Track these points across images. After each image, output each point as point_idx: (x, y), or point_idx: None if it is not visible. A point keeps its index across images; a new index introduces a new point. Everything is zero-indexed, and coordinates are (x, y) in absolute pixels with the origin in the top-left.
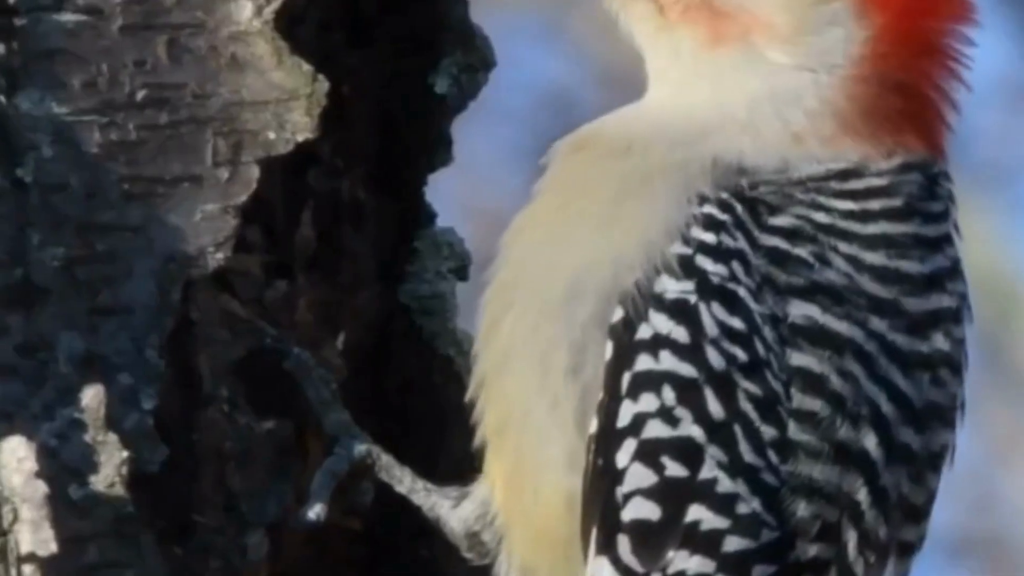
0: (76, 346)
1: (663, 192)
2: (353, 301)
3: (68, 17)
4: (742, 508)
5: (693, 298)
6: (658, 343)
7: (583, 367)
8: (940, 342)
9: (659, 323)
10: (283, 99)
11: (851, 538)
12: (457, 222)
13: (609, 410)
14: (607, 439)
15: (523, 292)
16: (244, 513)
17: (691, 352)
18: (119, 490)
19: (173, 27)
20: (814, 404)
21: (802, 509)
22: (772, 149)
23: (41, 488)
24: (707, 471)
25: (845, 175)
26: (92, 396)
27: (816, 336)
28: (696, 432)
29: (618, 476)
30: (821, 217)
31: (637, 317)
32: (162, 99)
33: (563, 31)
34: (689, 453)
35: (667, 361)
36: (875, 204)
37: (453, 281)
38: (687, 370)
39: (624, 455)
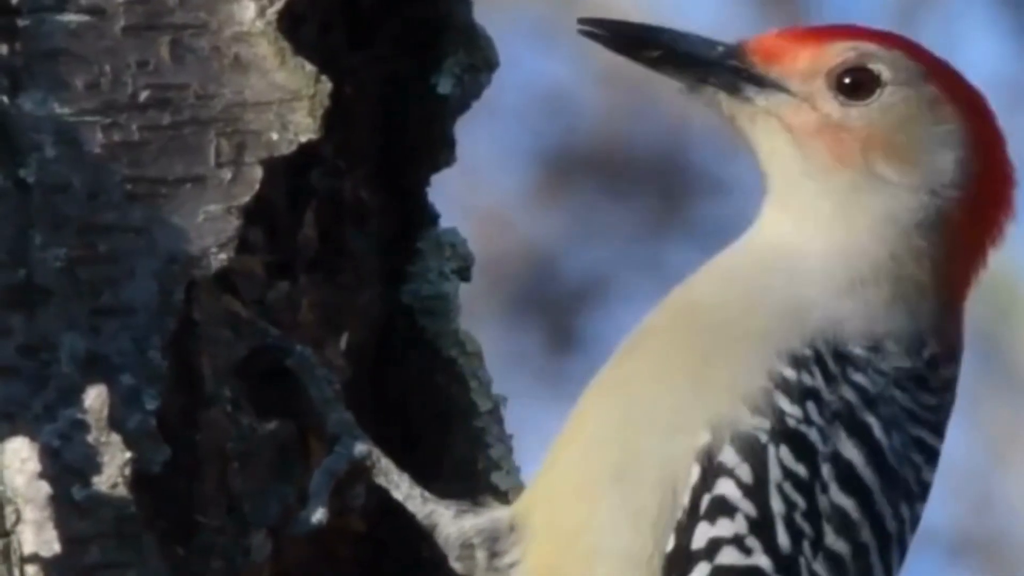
0: (78, 347)
1: (758, 333)
2: (356, 302)
3: (71, 17)
4: None
5: (764, 436)
6: (728, 473)
7: (668, 482)
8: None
9: (728, 456)
10: (286, 100)
11: None
12: (460, 222)
13: (687, 529)
14: (680, 558)
15: (627, 414)
16: (246, 514)
17: (754, 491)
18: (122, 491)
19: (176, 27)
20: (842, 548)
21: None
22: (871, 305)
23: (44, 489)
24: None
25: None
26: (95, 397)
27: (856, 482)
28: (764, 562)
29: None
30: (896, 400)
31: (719, 442)
32: (165, 100)
33: (564, 31)
34: None
35: (734, 494)
36: (925, 415)
37: (456, 282)
38: (749, 508)
39: None
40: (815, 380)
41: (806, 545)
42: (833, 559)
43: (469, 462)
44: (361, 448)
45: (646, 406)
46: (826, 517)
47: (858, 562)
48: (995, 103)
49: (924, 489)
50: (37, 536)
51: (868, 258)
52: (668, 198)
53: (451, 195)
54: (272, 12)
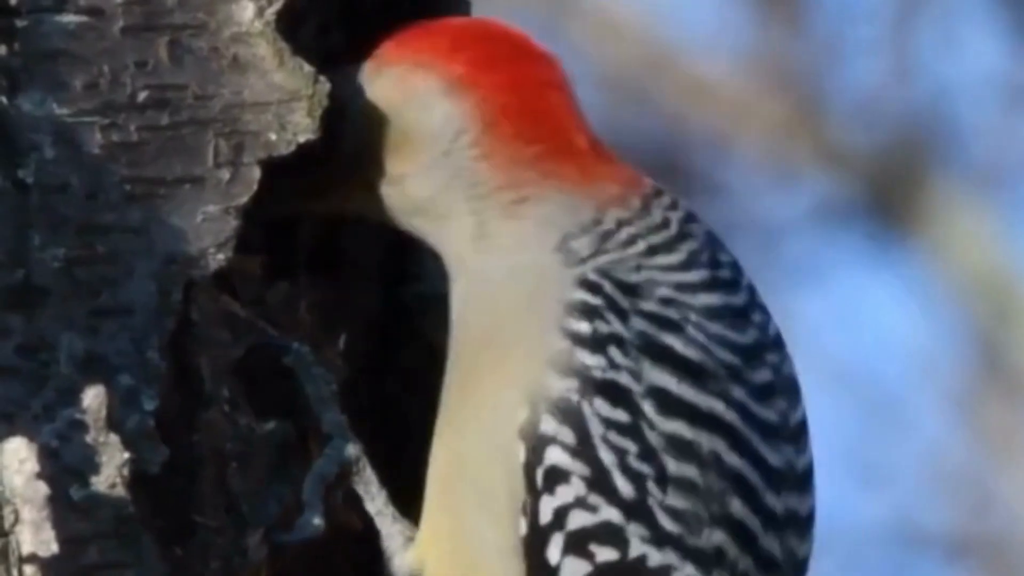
0: (77, 347)
1: (533, 299)
2: (354, 302)
3: (69, 18)
4: None
5: (575, 396)
6: (554, 442)
7: (504, 469)
8: (779, 410)
9: (549, 424)
10: (284, 100)
11: None
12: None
13: (532, 508)
14: (535, 538)
15: (458, 409)
16: (245, 514)
17: (582, 451)
18: (120, 491)
19: (174, 28)
20: (689, 471)
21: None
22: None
23: (42, 489)
24: (635, 549)
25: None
26: (93, 397)
27: (678, 404)
28: (613, 514)
29: (553, 573)
30: (661, 291)
31: (536, 415)
32: (163, 100)
33: (562, 32)
34: (614, 535)
35: (565, 459)
36: (685, 277)
37: None
38: (582, 469)
39: (555, 550)
40: (611, 325)
41: (651, 484)
42: (684, 484)
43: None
44: (350, 452)
45: (469, 405)
46: (662, 449)
47: (710, 472)
48: (995, 103)
49: (741, 352)
50: (35, 536)
51: (465, 216)
52: None
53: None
54: (271, 12)
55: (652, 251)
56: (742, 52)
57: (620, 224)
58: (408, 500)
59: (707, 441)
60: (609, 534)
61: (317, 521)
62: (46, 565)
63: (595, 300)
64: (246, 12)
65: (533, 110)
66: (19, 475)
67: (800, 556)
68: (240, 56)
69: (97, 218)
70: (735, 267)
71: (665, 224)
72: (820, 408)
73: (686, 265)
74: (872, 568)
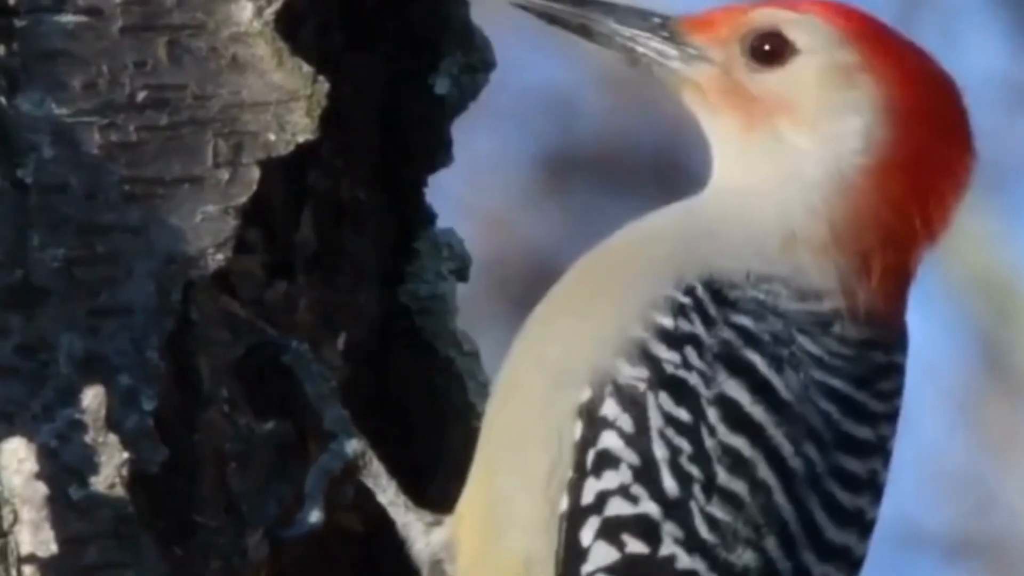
0: (76, 347)
1: (639, 280)
2: (353, 302)
3: (68, 18)
4: None
5: (643, 385)
6: (611, 426)
7: (554, 441)
8: (861, 504)
9: (610, 408)
10: (283, 100)
11: None
12: (457, 223)
13: (576, 487)
14: (574, 517)
15: (518, 379)
16: (244, 514)
17: (637, 440)
18: (119, 491)
19: (173, 28)
20: (738, 486)
21: None
22: (765, 251)
23: (41, 489)
24: (666, 548)
25: (823, 323)
26: (92, 397)
27: (746, 421)
28: (652, 509)
29: (583, 554)
30: (793, 342)
31: (599, 396)
32: (162, 100)
33: (564, 33)
34: (648, 530)
35: (618, 445)
36: (836, 362)
37: (453, 282)
38: (632, 458)
39: (588, 532)
40: (693, 326)
41: (696, 488)
42: (729, 498)
43: (466, 462)
44: (355, 447)
45: (535, 365)
46: (717, 458)
47: (758, 500)
48: (995, 103)
49: (847, 441)
50: (34, 536)
51: (761, 208)
52: (667, 198)
53: (449, 195)
54: (270, 13)
55: (819, 327)
56: None
57: (831, 313)
58: (412, 496)
59: (765, 466)
60: (644, 527)
61: (317, 516)
62: (45, 565)
63: (683, 299)
64: (245, 12)
65: (928, 182)
66: (18, 475)
67: None
68: (239, 56)
69: (96, 218)
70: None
71: (860, 335)
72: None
73: (838, 353)
74: (872, 568)
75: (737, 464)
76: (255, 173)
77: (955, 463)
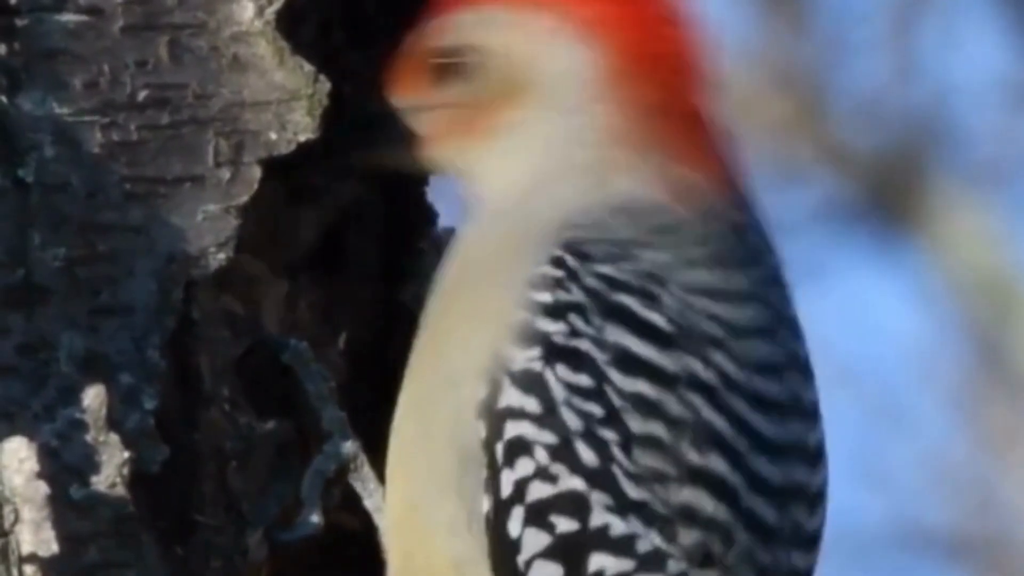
0: (77, 346)
1: (507, 271)
2: (355, 301)
3: (69, 17)
4: (642, 545)
5: (538, 365)
6: (517, 414)
7: (459, 441)
8: (788, 388)
9: (512, 396)
10: (285, 99)
11: (735, 563)
12: (459, 222)
13: (493, 484)
14: (497, 512)
15: (416, 386)
16: (245, 513)
17: (548, 419)
18: (120, 490)
19: (174, 27)
20: (656, 428)
21: (683, 537)
22: (582, 197)
23: (42, 488)
24: (597, 518)
25: (661, 231)
26: (93, 396)
27: (640, 364)
28: (576, 483)
29: (515, 545)
30: (642, 264)
31: (496, 390)
32: (163, 99)
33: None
34: (575, 505)
35: (529, 430)
36: (687, 253)
37: None
38: (548, 437)
39: (515, 523)
40: (571, 294)
41: (615, 450)
42: (650, 443)
43: None
44: (349, 448)
45: (430, 370)
46: (625, 410)
47: (680, 432)
48: (995, 103)
49: (745, 330)
50: (35, 536)
51: (552, 167)
52: None
53: (450, 195)
54: (271, 12)
55: (657, 231)
56: (745, 52)
57: (662, 226)
58: None
59: (677, 398)
60: (570, 504)
61: (315, 519)
62: (46, 564)
63: (555, 272)
64: (246, 11)
65: (661, 72)
66: (19, 474)
67: (808, 528)
68: (240, 55)
69: (97, 217)
70: (759, 256)
71: (697, 217)
72: (821, 406)
73: (682, 243)
74: (873, 568)
75: (647, 408)
76: (256, 172)
77: (956, 463)
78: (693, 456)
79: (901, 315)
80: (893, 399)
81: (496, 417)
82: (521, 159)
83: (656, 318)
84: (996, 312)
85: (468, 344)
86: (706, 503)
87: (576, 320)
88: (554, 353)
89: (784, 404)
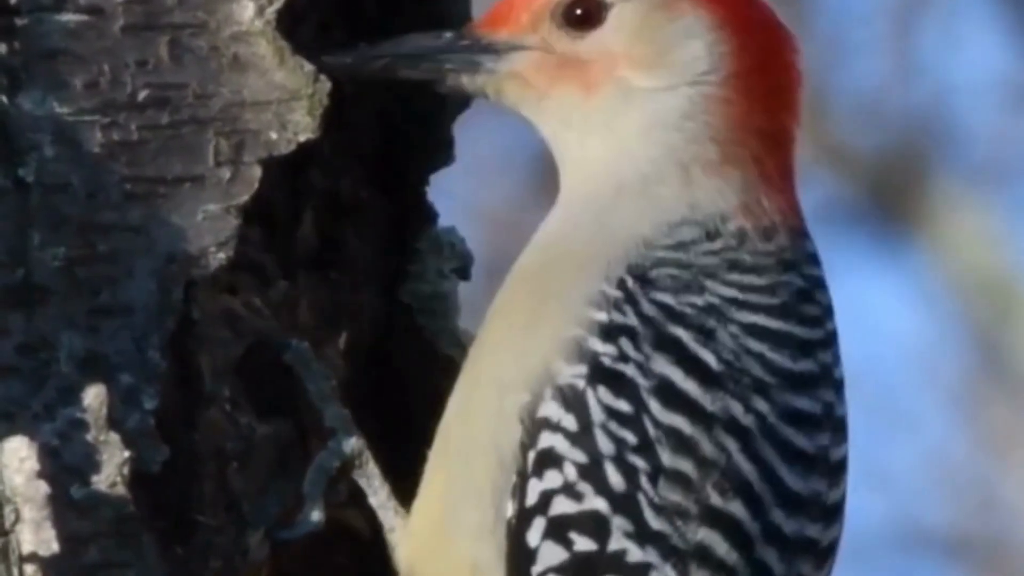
0: (77, 346)
1: (569, 283)
2: (354, 301)
3: (69, 17)
4: None
5: (582, 383)
6: (553, 426)
7: (496, 447)
8: (817, 443)
9: (551, 408)
10: (285, 99)
11: None
12: (458, 222)
13: (520, 490)
14: (520, 519)
15: (466, 391)
16: (245, 513)
17: (581, 438)
18: (120, 490)
19: (175, 27)
20: (685, 465)
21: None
22: (662, 212)
23: (43, 488)
24: (615, 543)
25: (732, 260)
26: (93, 396)
27: (680, 399)
28: (600, 504)
29: (531, 555)
30: (708, 298)
31: (538, 399)
32: (164, 99)
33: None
34: (595, 526)
35: (562, 445)
36: (755, 298)
37: (455, 281)
38: (579, 455)
39: (535, 534)
40: (626, 317)
41: (643, 479)
42: (676, 478)
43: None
44: (353, 445)
45: (480, 376)
46: (658, 442)
47: (708, 472)
48: (995, 103)
49: (788, 377)
50: (36, 535)
51: (643, 160)
52: None
53: (450, 194)
54: (271, 12)
55: (729, 266)
56: None
57: (737, 237)
58: (409, 497)
59: (711, 438)
60: (591, 524)
61: (317, 515)
62: (47, 564)
63: (614, 292)
64: (246, 11)
65: (778, 79)
66: (19, 474)
67: None
68: (240, 55)
69: (97, 217)
70: (822, 318)
71: (770, 254)
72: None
73: (753, 287)
74: (874, 568)
75: (680, 443)
76: (256, 172)
77: (956, 463)
78: (716, 499)
79: (901, 315)
80: (893, 399)
81: (534, 424)
82: (612, 139)
83: (706, 355)
84: (996, 312)
85: (522, 352)
86: (720, 546)
87: (626, 344)
88: (599, 374)
89: (812, 457)
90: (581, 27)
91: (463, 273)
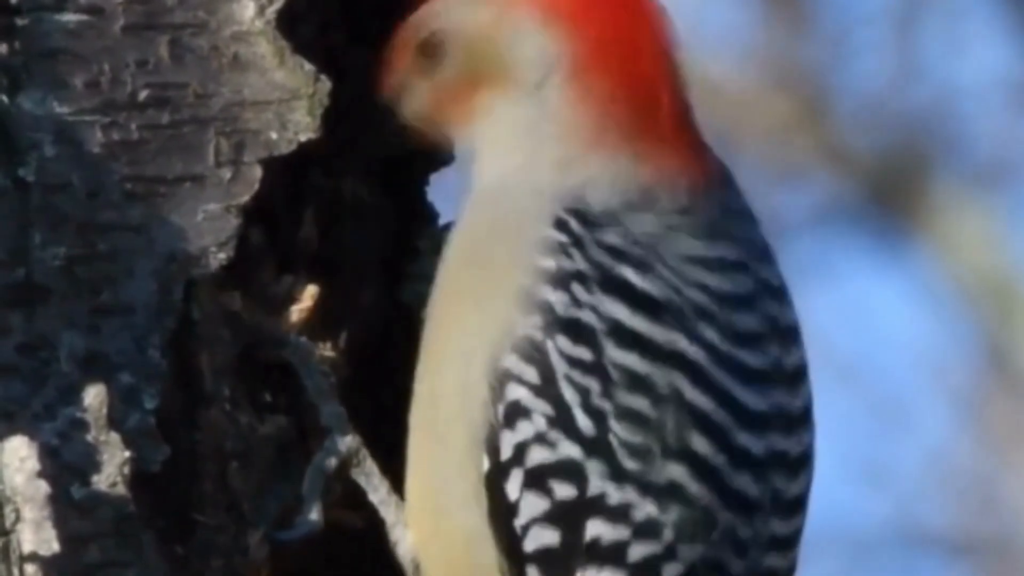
0: (77, 345)
1: (518, 230)
2: (355, 301)
3: (70, 17)
4: (637, 514)
5: (539, 334)
6: (516, 379)
7: (468, 408)
8: (771, 356)
9: (512, 361)
10: (285, 99)
11: (717, 540)
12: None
13: (493, 443)
14: (496, 474)
15: (429, 359)
16: (245, 513)
17: (546, 389)
18: (121, 490)
19: (175, 27)
20: (641, 404)
21: (672, 510)
22: (560, 182)
23: (43, 488)
24: (594, 486)
25: (642, 202)
26: (94, 396)
27: (631, 336)
28: (573, 451)
29: (512, 508)
30: (637, 234)
31: (499, 352)
32: (164, 99)
33: None
34: (572, 472)
35: (527, 397)
36: (683, 229)
37: None
38: (545, 407)
39: (514, 486)
40: (574, 261)
41: (612, 421)
42: (633, 417)
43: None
44: (350, 444)
45: (441, 353)
46: (615, 381)
47: (665, 408)
48: (995, 103)
49: (730, 298)
50: (36, 535)
51: (527, 167)
52: None
53: (450, 194)
54: (271, 11)
55: (648, 210)
56: (747, 51)
57: (650, 202)
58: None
59: (663, 375)
60: (568, 471)
61: (315, 516)
62: (47, 564)
63: (561, 236)
64: (247, 11)
65: (627, 60)
66: (20, 474)
67: (789, 494)
68: (241, 55)
69: (98, 217)
70: (752, 246)
71: (684, 209)
72: (824, 407)
73: (681, 224)
74: (875, 567)
75: (634, 381)
76: (257, 172)
77: (959, 463)
78: (677, 434)
79: (903, 315)
80: (896, 399)
81: (497, 379)
82: (498, 144)
83: (652, 289)
84: (999, 312)
85: (477, 317)
86: (689, 483)
87: (577, 289)
88: (556, 324)
89: (767, 372)
90: (432, 60)
91: None
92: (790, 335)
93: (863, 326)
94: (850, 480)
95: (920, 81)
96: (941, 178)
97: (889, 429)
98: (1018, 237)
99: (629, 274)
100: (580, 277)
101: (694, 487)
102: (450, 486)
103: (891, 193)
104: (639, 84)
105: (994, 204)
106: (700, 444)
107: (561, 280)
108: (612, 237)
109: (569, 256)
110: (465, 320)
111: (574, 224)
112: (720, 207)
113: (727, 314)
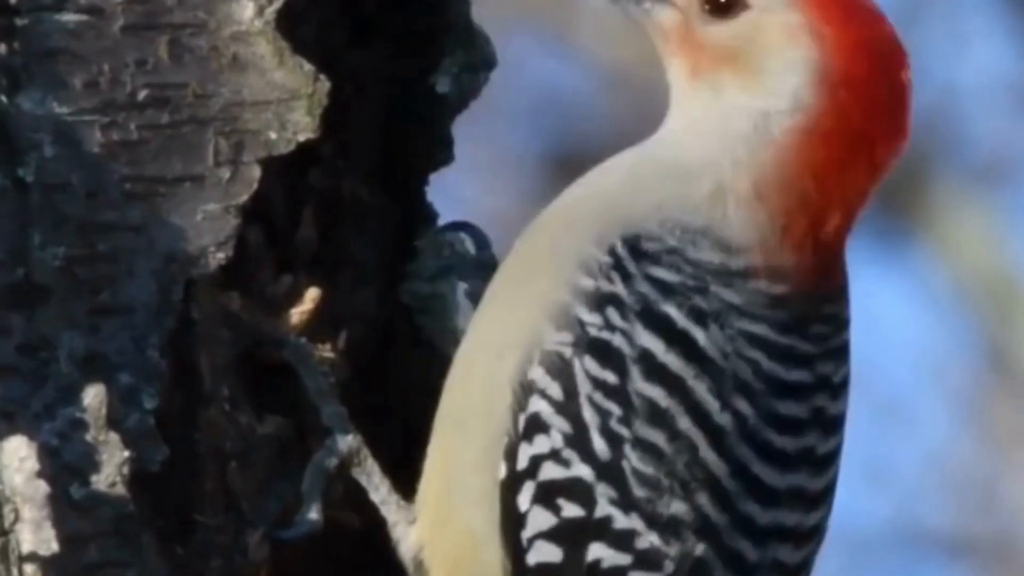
0: (77, 346)
1: (567, 243)
2: (354, 301)
3: (69, 17)
4: (641, 543)
5: (568, 352)
6: (540, 392)
7: (492, 411)
8: (809, 442)
9: (538, 373)
10: (284, 99)
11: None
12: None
13: (511, 453)
14: (511, 483)
15: (464, 357)
16: (245, 513)
17: (566, 407)
18: (120, 489)
19: (174, 27)
20: (658, 437)
21: (674, 546)
22: (691, 201)
23: (42, 488)
24: (601, 509)
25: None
26: (93, 396)
27: (661, 371)
28: (585, 472)
29: (521, 519)
30: (701, 285)
31: (527, 362)
32: (163, 99)
33: (566, 31)
34: (581, 493)
35: (548, 412)
36: (759, 309)
37: (454, 281)
38: (563, 424)
39: (525, 498)
40: (613, 284)
41: (627, 448)
42: (648, 448)
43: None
44: (350, 443)
45: (478, 340)
46: (636, 410)
47: (681, 452)
48: (995, 103)
49: (779, 386)
50: (35, 535)
51: (695, 157)
52: None
53: (450, 194)
54: (271, 11)
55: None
56: None
57: (742, 272)
58: (410, 494)
59: (685, 419)
60: (577, 490)
61: (315, 515)
62: (46, 563)
63: (604, 258)
64: (246, 11)
65: (866, 156)
66: (19, 474)
67: (792, 562)
68: (240, 55)
69: (97, 217)
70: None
71: (775, 299)
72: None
73: (765, 314)
74: (876, 567)
75: (654, 414)
76: (256, 172)
77: (960, 462)
78: (686, 477)
79: (904, 316)
80: (896, 399)
81: (522, 388)
82: (688, 123)
83: (694, 331)
84: (1000, 312)
85: (512, 312)
86: (690, 527)
87: (612, 314)
88: (586, 344)
89: (794, 455)
90: (717, 13)
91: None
92: (832, 424)
93: (863, 325)
94: (850, 480)
95: (921, 82)
96: (941, 178)
97: (889, 429)
98: (1018, 237)
99: (671, 311)
100: (617, 302)
101: (692, 537)
102: (466, 481)
103: (892, 193)
104: (834, 185)
105: (994, 204)
106: (705, 502)
107: (597, 301)
108: (664, 273)
109: (609, 280)
110: (506, 316)
111: (622, 251)
112: (814, 309)
113: (769, 397)
